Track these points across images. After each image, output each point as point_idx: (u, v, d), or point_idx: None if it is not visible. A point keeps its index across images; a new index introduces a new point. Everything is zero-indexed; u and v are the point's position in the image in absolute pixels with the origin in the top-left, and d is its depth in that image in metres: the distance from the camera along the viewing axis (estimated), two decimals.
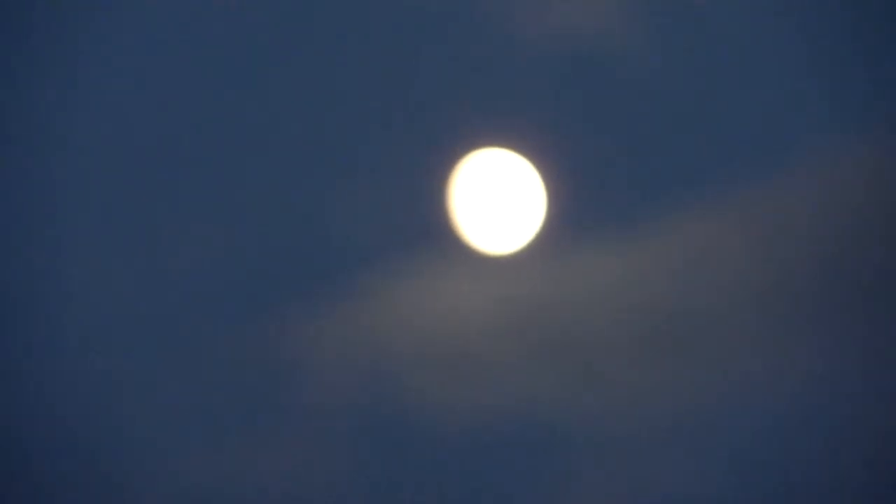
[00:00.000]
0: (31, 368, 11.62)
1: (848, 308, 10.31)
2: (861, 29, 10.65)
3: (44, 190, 11.82)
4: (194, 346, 10.68)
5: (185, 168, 10.99)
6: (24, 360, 11.74)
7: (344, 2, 10.79)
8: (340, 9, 11.03)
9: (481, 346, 9.73)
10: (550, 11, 10.26)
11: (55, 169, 11.57)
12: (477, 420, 10.01)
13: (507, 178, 9.18)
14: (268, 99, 10.74)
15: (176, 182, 10.94)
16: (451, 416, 10.06)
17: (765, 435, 9.80)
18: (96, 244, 11.75)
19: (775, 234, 10.03)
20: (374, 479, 10.18)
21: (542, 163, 9.49)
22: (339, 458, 10.24)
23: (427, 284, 10.09)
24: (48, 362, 11.31)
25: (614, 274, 9.37)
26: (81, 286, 11.40)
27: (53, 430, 11.25)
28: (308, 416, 10.28)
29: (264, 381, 10.51)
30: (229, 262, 10.68)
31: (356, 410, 10.24)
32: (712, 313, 9.65)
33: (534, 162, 9.40)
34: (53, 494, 11.61)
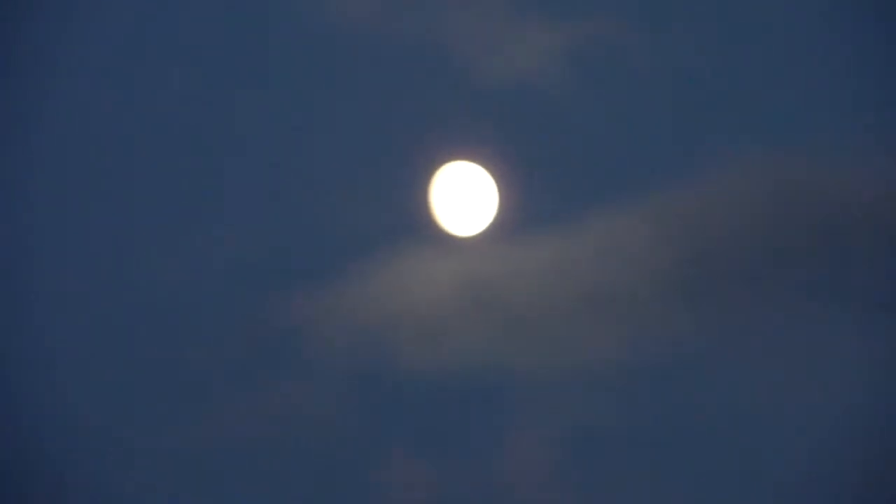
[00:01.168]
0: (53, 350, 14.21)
1: (740, 292, 13.84)
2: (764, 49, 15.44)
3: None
4: (221, 316, 13.29)
5: (217, 174, 14.46)
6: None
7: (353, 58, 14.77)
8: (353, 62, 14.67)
9: (448, 310, 12.48)
10: (503, 60, 13.83)
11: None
12: (443, 367, 12.70)
13: (470, 181, 12.40)
14: (291, 115, 14.09)
15: (204, 184, 14.35)
16: (424, 367, 12.90)
17: (660, 373, 13.30)
18: (126, 230, 14.48)
19: (682, 228, 13.44)
20: (363, 418, 13.00)
21: (497, 171, 12.38)
22: (336, 402, 13.01)
23: (407, 262, 12.74)
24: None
25: (550, 252, 12.63)
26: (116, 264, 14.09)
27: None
28: (311, 370, 13.29)
29: (276, 343, 13.16)
30: (249, 245, 13.54)
31: (349, 365, 12.84)
32: (629, 283, 12.73)
33: (490, 170, 12.37)
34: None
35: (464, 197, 12.59)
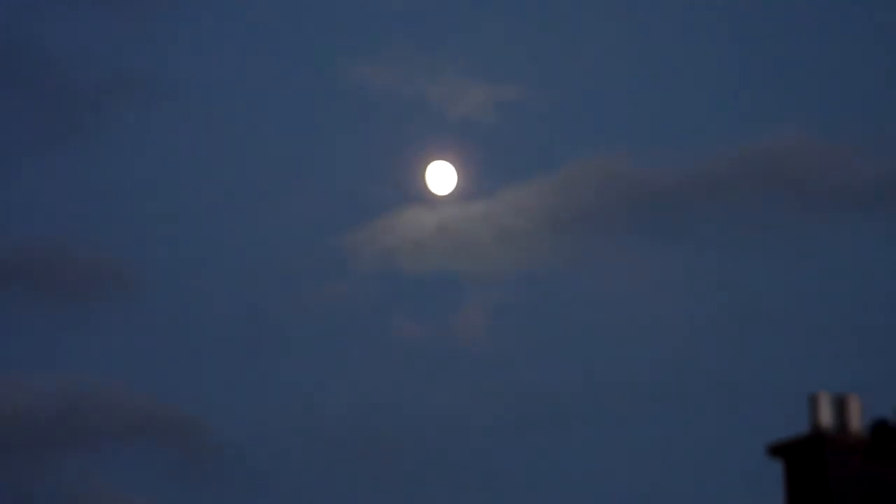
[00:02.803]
0: None
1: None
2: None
3: None
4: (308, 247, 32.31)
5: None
6: None
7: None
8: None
9: (430, 231, 28.87)
10: (457, 105, 31.53)
11: None
12: (428, 266, 29.53)
13: (442, 169, 24.87)
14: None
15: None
16: (419, 266, 29.82)
17: (545, 279, 30.35)
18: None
19: (561, 195, 30.21)
20: (381, 299, 30.88)
21: (456, 163, 25.02)
22: (368, 291, 31.05)
23: (413, 206, 28.45)
24: None
25: (483, 206, 28.78)
26: None
27: None
28: (355, 273, 32.08)
29: (336, 254, 31.21)
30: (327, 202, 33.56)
31: (381, 267, 30.19)
32: (530, 228, 29.71)
33: (453, 163, 24.84)
34: None
35: (439, 175, 24.73)
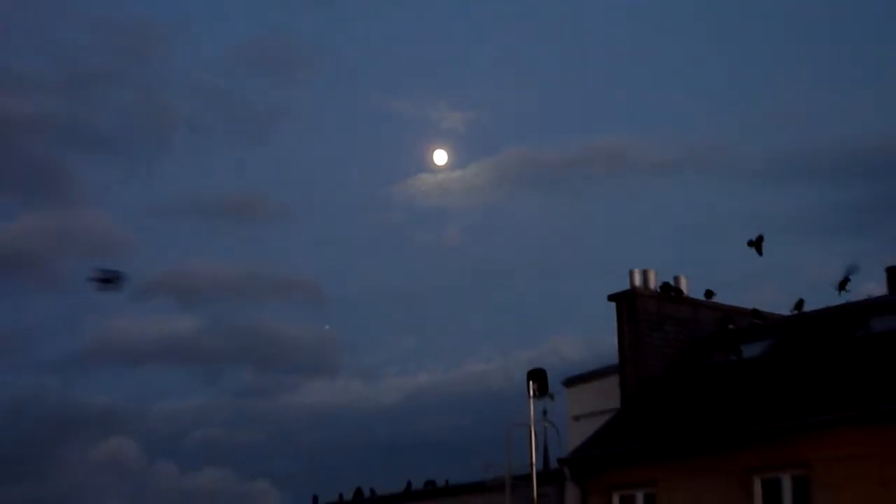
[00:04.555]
0: None
1: None
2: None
3: None
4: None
5: None
6: None
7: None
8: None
9: (433, 183, 52.78)
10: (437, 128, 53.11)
11: None
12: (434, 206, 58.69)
13: (440, 152, 45.91)
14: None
15: None
16: (429, 203, 57.56)
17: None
18: None
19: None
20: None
21: (449, 150, 46.47)
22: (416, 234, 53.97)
23: (423, 173, 53.06)
24: None
25: (464, 172, 51.40)
26: None
27: None
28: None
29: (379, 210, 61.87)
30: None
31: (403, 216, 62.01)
32: (488, 189, 49.50)
33: (447, 150, 39.91)
34: None
35: (438, 157, 41.72)
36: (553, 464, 20.00)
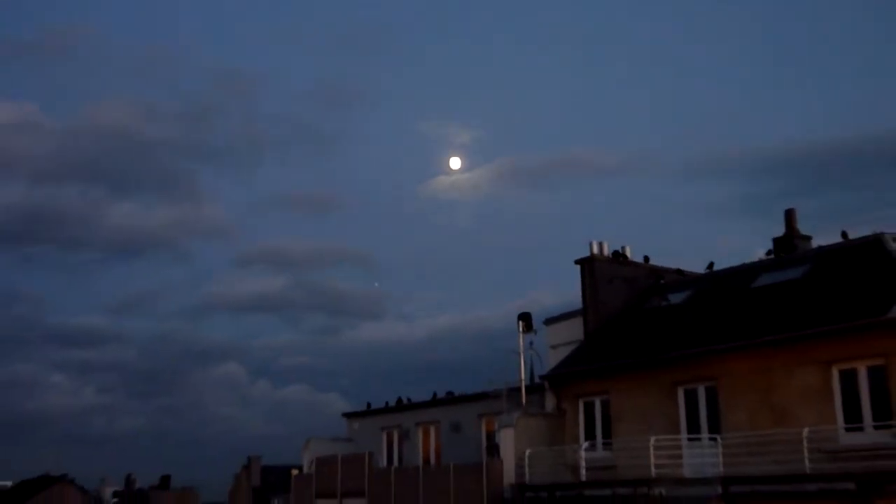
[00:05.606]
0: None
1: None
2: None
3: None
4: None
5: None
6: None
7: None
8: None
9: (450, 182, 56.98)
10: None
11: None
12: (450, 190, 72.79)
13: (456, 158, 50.99)
14: None
15: None
16: (445, 196, 65.89)
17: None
18: None
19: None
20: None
21: (461, 155, 57.03)
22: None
23: (441, 175, 68.77)
24: None
25: (473, 173, 51.40)
26: None
27: None
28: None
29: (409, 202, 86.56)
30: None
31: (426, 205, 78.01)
32: (495, 182, 55.63)
33: (458, 156, 45.20)
34: None
35: (453, 162, 52.32)
36: (536, 379, 20.27)
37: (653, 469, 15.47)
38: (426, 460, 23.80)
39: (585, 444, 17.73)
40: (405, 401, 25.99)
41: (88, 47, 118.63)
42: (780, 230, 20.26)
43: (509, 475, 18.62)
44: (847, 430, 14.24)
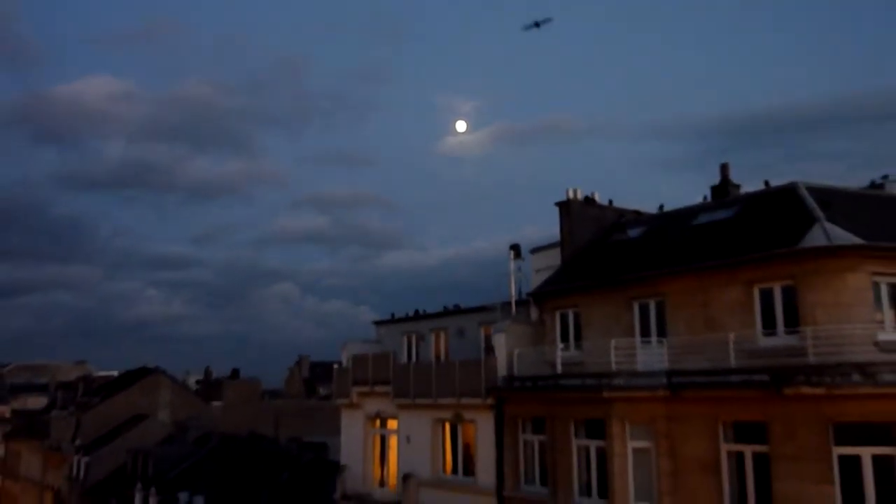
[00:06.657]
0: None
1: None
2: None
3: None
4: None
5: None
6: None
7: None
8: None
9: (455, 143, 43.87)
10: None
11: None
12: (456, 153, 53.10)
13: (459, 125, 46.76)
14: None
15: None
16: (451, 153, 49.51)
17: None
18: None
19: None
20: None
21: (466, 121, 41.34)
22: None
23: (448, 135, 42.76)
24: None
25: (475, 135, 40.80)
26: None
27: None
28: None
29: (413, 160, 61.79)
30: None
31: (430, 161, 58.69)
32: (493, 154, 52.40)
33: (464, 121, 40.15)
34: None
35: (459, 128, 41.06)
36: (524, 296, 20.26)
37: (613, 365, 15.67)
38: (437, 357, 23.97)
39: (561, 346, 17.93)
40: (421, 312, 25.89)
41: (174, 36, 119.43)
42: (716, 180, 19.99)
43: (502, 369, 18.81)
44: (764, 334, 14.32)
